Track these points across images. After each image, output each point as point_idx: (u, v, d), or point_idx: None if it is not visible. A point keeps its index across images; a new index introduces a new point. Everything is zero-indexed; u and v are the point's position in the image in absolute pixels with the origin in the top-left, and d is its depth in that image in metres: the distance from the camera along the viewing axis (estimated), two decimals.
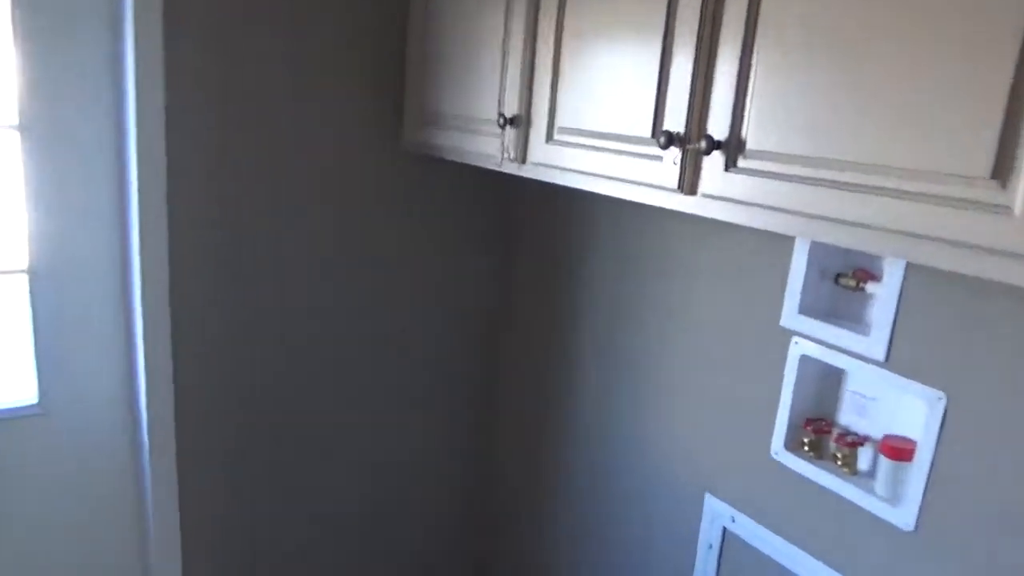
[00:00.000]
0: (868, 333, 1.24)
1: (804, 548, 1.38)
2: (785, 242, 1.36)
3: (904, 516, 1.21)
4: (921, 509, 1.19)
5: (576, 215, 1.83)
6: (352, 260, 1.89)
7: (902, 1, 0.82)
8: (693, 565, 1.61)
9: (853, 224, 0.90)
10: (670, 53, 1.08)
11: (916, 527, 1.20)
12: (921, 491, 1.19)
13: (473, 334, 2.11)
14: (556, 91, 1.32)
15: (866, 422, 1.32)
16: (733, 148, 1.01)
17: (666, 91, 1.10)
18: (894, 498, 1.24)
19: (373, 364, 1.98)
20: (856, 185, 0.88)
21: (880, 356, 1.23)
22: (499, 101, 1.46)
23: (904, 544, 1.22)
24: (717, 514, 1.54)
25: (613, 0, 1.18)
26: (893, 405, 1.26)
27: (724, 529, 1.53)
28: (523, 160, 1.42)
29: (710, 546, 1.56)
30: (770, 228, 1.00)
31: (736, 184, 1.01)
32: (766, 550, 1.44)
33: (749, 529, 1.47)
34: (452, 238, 2.01)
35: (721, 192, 1.04)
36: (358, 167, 1.84)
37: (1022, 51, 0.72)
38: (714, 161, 1.03)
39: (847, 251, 1.31)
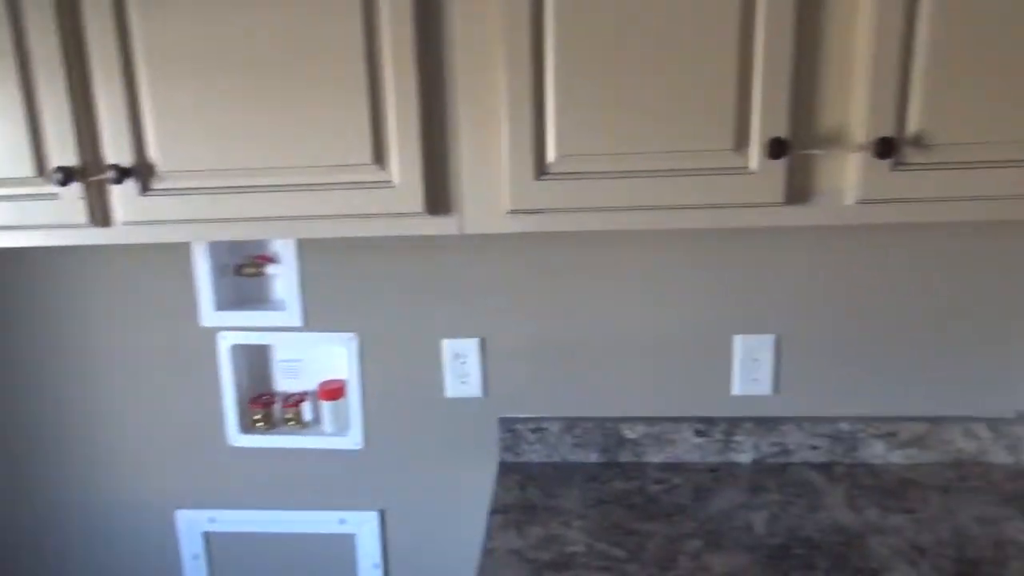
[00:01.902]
0: (284, 307, 1.45)
1: (285, 507, 1.55)
2: (182, 249, 1.43)
3: (353, 439, 1.50)
4: (364, 428, 1.49)
5: None
6: None
7: (291, 23, 1.00)
8: None
9: (261, 219, 1.07)
10: (32, 88, 1.03)
11: (364, 444, 1.50)
12: (360, 414, 1.49)
13: None
14: None
15: (300, 381, 1.54)
16: (143, 173, 1.05)
17: (41, 127, 1.04)
18: (340, 430, 1.51)
19: None
20: (262, 185, 1.05)
21: (299, 323, 1.45)
22: None
23: (359, 460, 1.51)
24: (193, 523, 1.57)
25: None
26: (318, 359, 1.52)
27: (205, 533, 1.57)
28: None
29: (195, 556, 1.59)
30: (191, 239, 1.09)
31: (154, 206, 1.06)
32: (251, 528, 1.56)
33: (230, 520, 1.56)
34: None
35: (140, 217, 1.07)
36: None
37: (370, 81, 0.99)
38: (127, 189, 1.05)
39: (242, 244, 1.47)
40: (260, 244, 1.47)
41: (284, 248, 1.43)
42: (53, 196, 1.06)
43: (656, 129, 0.98)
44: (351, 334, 1.45)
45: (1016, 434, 1.36)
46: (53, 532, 1.61)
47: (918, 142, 0.97)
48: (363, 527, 1.54)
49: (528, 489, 1.35)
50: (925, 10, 0.93)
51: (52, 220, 1.07)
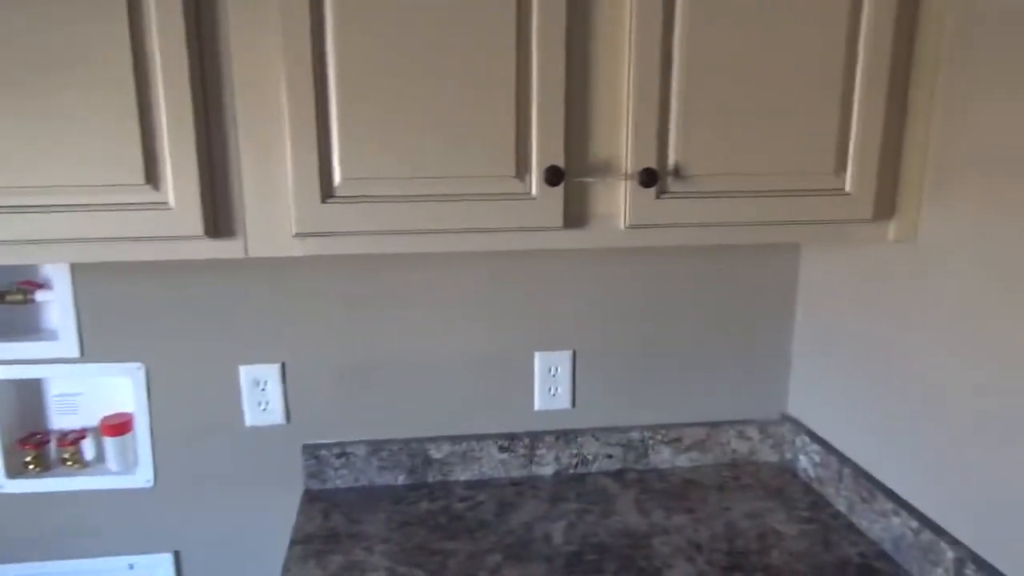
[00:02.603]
0: (57, 337, 1.33)
1: (69, 556, 1.41)
2: None
3: (142, 476, 1.40)
4: (155, 464, 1.40)
5: None
6: None
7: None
8: None
9: (31, 242, 0.98)
10: None
11: (155, 481, 1.40)
12: (150, 449, 1.39)
13: None
14: None
15: (79, 416, 1.41)
16: None
17: None
18: (128, 466, 1.40)
19: None
20: (32, 206, 0.96)
21: (75, 353, 1.34)
22: None
23: (150, 499, 1.41)
24: None
25: None
26: (101, 391, 1.40)
27: None
28: None
29: None
30: None
31: None
32: None
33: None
34: None
35: None
36: None
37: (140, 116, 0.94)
38: None
39: (5, 269, 1.33)
40: (27, 269, 1.34)
41: (56, 273, 1.32)
42: None
43: (442, 154, 1.01)
44: (137, 364, 1.36)
45: (781, 434, 1.51)
46: None
47: (677, 173, 1.06)
48: (155, 571, 1.43)
49: (332, 516, 1.32)
50: (677, 52, 1.02)
51: None
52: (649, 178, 1.03)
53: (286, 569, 1.16)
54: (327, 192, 1.00)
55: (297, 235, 1.01)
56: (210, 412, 1.39)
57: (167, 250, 1.02)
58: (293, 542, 1.24)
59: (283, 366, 1.39)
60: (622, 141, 1.05)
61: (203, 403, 1.39)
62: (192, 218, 0.99)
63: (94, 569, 1.42)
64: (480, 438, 1.45)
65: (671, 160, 1.06)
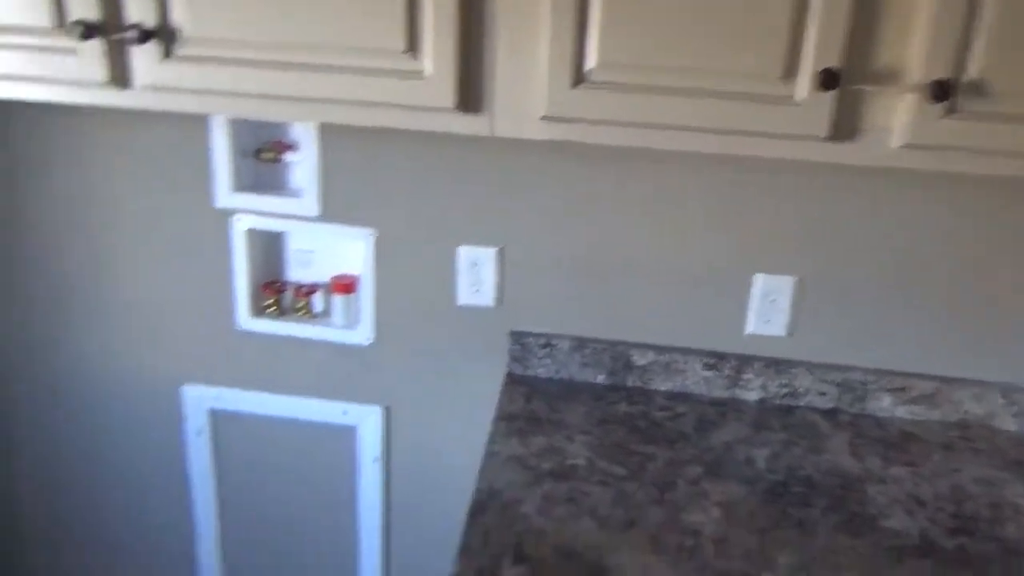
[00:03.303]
0: (301, 196, 1.42)
1: (290, 393, 1.56)
2: (200, 127, 1.40)
3: (362, 334, 1.50)
4: (375, 324, 1.49)
5: None
6: None
7: None
8: (185, 457, 1.65)
9: (285, 98, 1.03)
10: None
11: (374, 340, 1.50)
12: (372, 311, 1.48)
13: None
14: None
15: (312, 272, 1.53)
16: (167, 36, 1.00)
17: None
18: (351, 324, 1.51)
19: None
20: (291, 63, 1.01)
21: (315, 212, 1.43)
22: None
23: (367, 356, 1.52)
24: (200, 400, 1.59)
25: None
26: (333, 251, 1.50)
27: (211, 410, 1.60)
28: None
29: (199, 432, 1.62)
30: (211, 111, 1.06)
31: (175, 72, 1.02)
32: (256, 410, 1.58)
33: (236, 399, 1.58)
34: None
35: (160, 82, 1.03)
36: None
37: None
38: (149, 52, 1.01)
39: (261, 127, 1.43)
40: (280, 129, 1.43)
41: (305, 134, 1.39)
42: (71, 51, 1.02)
43: (704, 45, 0.93)
44: (369, 229, 1.43)
45: None
46: (64, 395, 1.64)
47: (976, 89, 0.91)
48: (366, 421, 1.56)
49: (533, 401, 1.35)
50: None
51: (69, 76, 1.04)
52: (940, 92, 0.90)
53: (492, 441, 1.21)
54: (580, 76, 0.96)
55: (544, 118, 0.99)
56: (428, 285, 1.45)
57: (416, 120, 1.03)
58: (498, 418, 1.29)
59: (500, 251, 1.41)
60: (913, 45, 0.91)
61: (423, 275, 1.44)
62: (445, 90, 0.99)
63: (312, 408, 1.57)
64: (685, 352, 1.40)
65: (970, 73, 0.91)
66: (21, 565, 1.80)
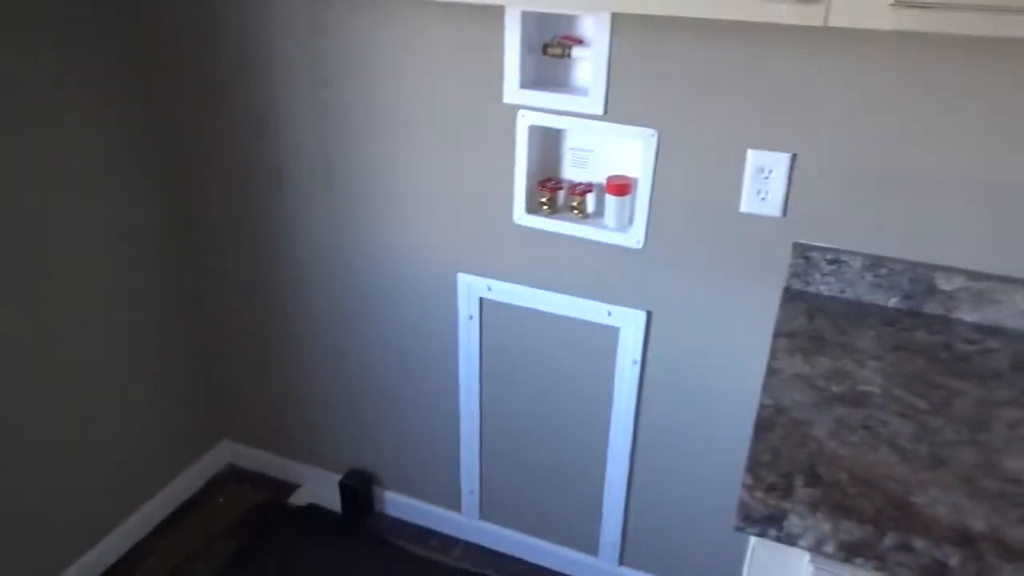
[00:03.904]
0: (586, 94, 1.41)
1: (556, 289, 1.61)
2: (495, 23, 1.42)
3: (634, 237, 1.49)
4: (647, 228, 1.47)
5: (244, 23, 1.64)
6: None
7: None
8: (456, 339, 1.77)
9: None
10: None
11: (644, 244, 1.49)
12: (646, 214, 1.46)
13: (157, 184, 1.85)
14: None
15: (587, 172, 1.53)
16: None
17: None
18: (622, 226, 1.50)
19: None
20: None
21: (599, 111, 1.41)
22: None
23: (636, 259, 1.51)
24: (472, 287, 1.69)
25: None
26: (610, 151, 1.49)
27: (481, 299, 1.70)
28: None
29: (470, 316, 1.73)
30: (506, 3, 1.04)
31: None
32: (522, 303, 1.66)
33: (505, 291, 1.66)
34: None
35: None
36: None
37: None
38: None
39: (551, 21, 1.42)
40: (569, 23, 1.41)
41: (596, 29, 1.36)
42: None
43: None
44: (651, 130, 1.39)
45: None
46: (359, 272, 1.82)
47: None
48: (629, 323, 1.57)
49: (816, 319, 1.28)
50: None
51: None
52: None
53: (774, 357, 1.16)
54: None
55: (894, 4, 0.87)
56: (708, 190, 1.39)
57: (734, 8, 0.96)
58: (777, 335, 1.23)
59: (793, 157, 1.31)
60: None
61: (703, 180, 1.39)
62: None
63: (577, 306, 1.61)
64: (1006, 280, 1.24)
65: None
66: (310, 423, 2.08)
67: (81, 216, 1.70)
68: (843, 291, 1.34)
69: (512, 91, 1.46)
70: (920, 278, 1.28)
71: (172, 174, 1.88)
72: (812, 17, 0.92)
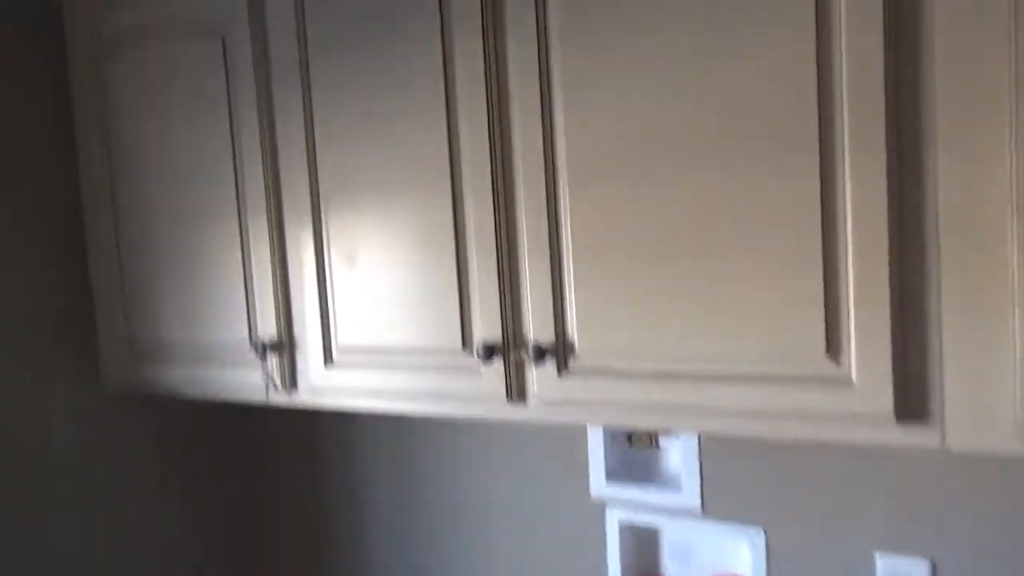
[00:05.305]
0: (679, 488, 1.30)
1: None
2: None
3: None
4: None
5: (345, 440, 1.67)
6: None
7: (713, 208, 0.90)
8: None
9: (681, 409, 0.94)
10: (466, 263, 1.06)
11: None
12: None
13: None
14: (327, 309, 1.20)
15: (690, 569, 1.36)
16: (562, 353, 1.00)
17: (469, 300, 1.06)
18: None
19: None
20: (687, 373, 0.92)
21: (695, 506, 1.29)
22: (250, 324, 1.29)
23: None
24: None
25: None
26: (713, 546, 1.33)
27: None
28: (293, 387, 1.26)
29: None
30: (608, 423, 1.00)
31: (570, 387, 1.00)
32: None
33: None
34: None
35: (556, 397, 1.01)
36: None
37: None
38: (545, 368, 1.01)
39: None
40: None
41: None
42: (473, 369, 1.06)
43: None
44: (757, 528, 1.24)
45: None
46: None
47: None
48: None
49: None
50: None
51: (471, 393, 1.07)
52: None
53: None
54: None
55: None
56: None
57: (840, 431, 0.87)
58: None
59: (933, 565, 1.11)
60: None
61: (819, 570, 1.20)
62: (879, 395, 0.82)
63: None
64: None
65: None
66: None
67: None
68: None
69: (599, 485, 1.37)
70: None
71: None
72: (928, 440, 0.82)
